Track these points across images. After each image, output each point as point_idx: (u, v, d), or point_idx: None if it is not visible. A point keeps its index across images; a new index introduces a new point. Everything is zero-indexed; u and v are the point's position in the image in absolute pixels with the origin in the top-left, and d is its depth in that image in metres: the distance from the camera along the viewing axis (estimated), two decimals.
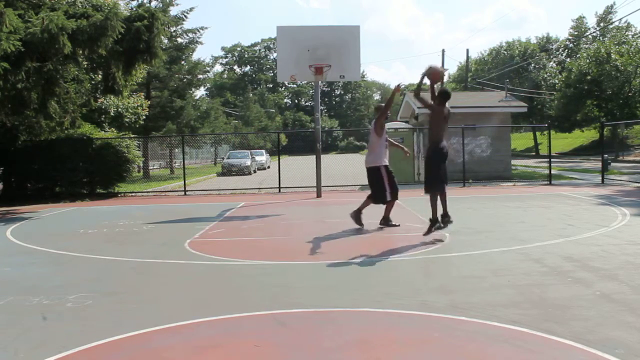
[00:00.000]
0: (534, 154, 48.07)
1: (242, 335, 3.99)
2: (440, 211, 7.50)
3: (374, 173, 8.60)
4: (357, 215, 8.67)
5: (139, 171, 26.31)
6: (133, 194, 17.07)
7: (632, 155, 35.30)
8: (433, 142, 7.42)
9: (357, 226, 8.62)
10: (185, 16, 27.69)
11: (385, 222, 8.70)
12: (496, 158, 18.75)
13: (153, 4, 24.45)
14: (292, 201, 13.66)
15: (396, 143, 9.56)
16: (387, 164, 8.63)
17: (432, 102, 7.58)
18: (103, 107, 19.64)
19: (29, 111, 12.84)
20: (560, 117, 42.72)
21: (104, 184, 16.46)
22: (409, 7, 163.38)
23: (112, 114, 20.44)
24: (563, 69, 48.08)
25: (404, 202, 12.13)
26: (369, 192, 8.99)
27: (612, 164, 23.38)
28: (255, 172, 30.66)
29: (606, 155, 19.31)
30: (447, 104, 7.52)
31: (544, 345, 3.59)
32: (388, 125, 21.06)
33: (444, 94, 7.56)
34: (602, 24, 54.38)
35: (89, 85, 15.35)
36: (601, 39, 48.58)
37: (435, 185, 7.41)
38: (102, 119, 20.03)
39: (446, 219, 7.52)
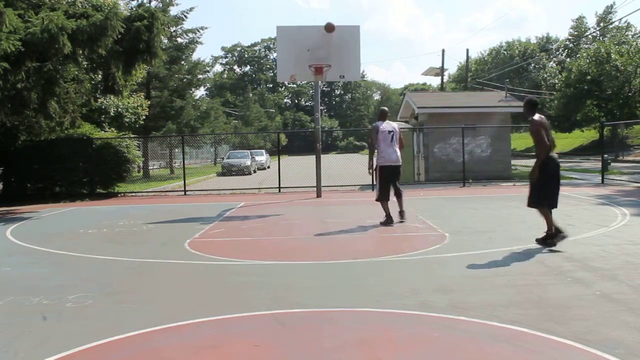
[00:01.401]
0: (534, 154, 47.99)
1: (242, 335, 3.99)
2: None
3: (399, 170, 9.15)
4: (400, 214, 8.99)
5: (139, 171, 26.32)
6: (133, 194, 17.07)
7: (632, 155, 35.28)
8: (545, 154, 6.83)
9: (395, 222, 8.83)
10: (185, 16, 27.73)
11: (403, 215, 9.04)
12: (496, 158, 18.73)
13: (153, 4, 24.49)
14: (292, 201, 13.66)
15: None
16: None
17: (530, 119, 6.89)
18: (103, 107, 19.63)
19: (29, 111, 12.83)
20: (560, 117, 42.70)
21: (104, 184, 16.46)
22: (409, 7, 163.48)
23: (112, 114, 20.43)
24: (563, 69, 48.12)
25: (404, 202, 12.12)
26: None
27: (612, 164, 23.36)
28: (255, 172, 30.66)
29: (606, 155, 19.30)
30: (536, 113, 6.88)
31: (544, 345, 3.59)
32: None
33: (532, 104, 7.03)
34: (602, 24, 54.40)
35: (89, 85, 15.32)
36: (601, 39, 48.59)
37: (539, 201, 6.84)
38: (102, 119, 20.02)
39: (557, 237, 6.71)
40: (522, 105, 7.34)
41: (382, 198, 8.87)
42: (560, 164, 7.11)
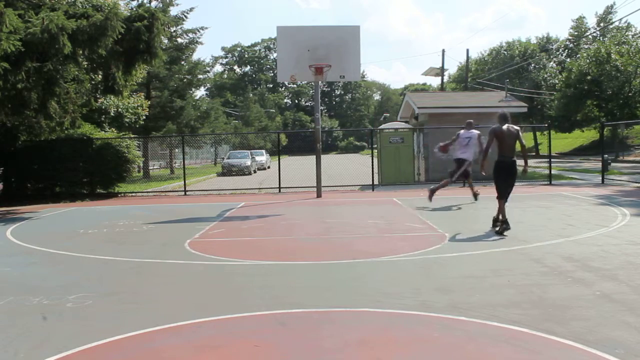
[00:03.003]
0: (534, 154, 47.98)
1: (242, 335, 3.99)
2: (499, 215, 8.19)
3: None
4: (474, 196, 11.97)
5: (139, 171, 26.30)
6: (133, 194, 17.07)
7: (632, 155, 35.27)
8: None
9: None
10: (185, 16, 27.73)
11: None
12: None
13: (153, 4, 24.49)
14: (292, 201, 13.66)
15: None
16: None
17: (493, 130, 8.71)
18: (103, 107, 19.61)
19: (29, 111, 12.82)
20: (560, 117, 42.66)
21: (104, 184, 16.45)
22: (409, 7, 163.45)
23: (112, 114, 20.41)
24: (563, 69, 48.02)
25: (404, 202, 12.14)
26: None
27: (612, 164, 23.34)
28: (255, 172, 30.65)
29: (606, 155, 19.28)
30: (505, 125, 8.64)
31: (544, 345, 3.59)
32: (388, 125, 21.12)
33: (501, 117, 8.82)
34: (602, 24, 54.33)
35: (89, 85, 15.29)
36: (601, 39, 48.53)
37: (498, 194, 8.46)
38: (102, 119, 20.00)
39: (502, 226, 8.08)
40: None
41: (449, 177, 11.85)
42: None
